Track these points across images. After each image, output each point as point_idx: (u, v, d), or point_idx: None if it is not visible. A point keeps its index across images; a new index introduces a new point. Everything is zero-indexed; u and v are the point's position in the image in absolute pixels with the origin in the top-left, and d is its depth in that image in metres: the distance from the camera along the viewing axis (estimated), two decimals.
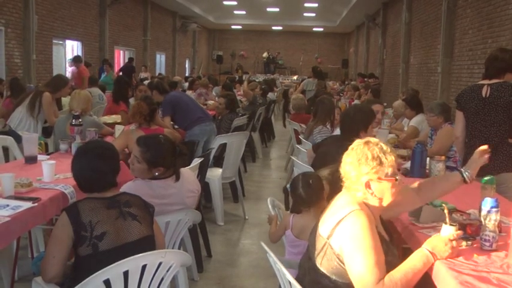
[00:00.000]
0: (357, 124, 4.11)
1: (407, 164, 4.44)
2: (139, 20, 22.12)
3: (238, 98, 11.67)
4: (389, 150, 2.36)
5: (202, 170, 4.70)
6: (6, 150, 5.50)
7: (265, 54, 32.89)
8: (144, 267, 2.44)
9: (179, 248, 3.56)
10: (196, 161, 4.48)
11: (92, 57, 17.13)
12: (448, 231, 2.34)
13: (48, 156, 4.41)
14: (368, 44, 24.47)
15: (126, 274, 2.40)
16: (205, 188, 5.53)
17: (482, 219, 2.61)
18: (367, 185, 2.34)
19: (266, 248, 2.63)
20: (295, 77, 28.42)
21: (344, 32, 32.25)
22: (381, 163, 2.31)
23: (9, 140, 5.65)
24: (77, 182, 2.77)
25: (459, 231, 2.36)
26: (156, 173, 3.32)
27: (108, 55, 18.28)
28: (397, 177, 2.34)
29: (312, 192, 3.21)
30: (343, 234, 2.26)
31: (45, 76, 13.59)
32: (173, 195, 3.38)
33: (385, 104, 10.63)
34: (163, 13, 24.73)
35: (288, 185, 3.40)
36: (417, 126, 6.53)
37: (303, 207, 3.27)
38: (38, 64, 13.91)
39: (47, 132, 6.69)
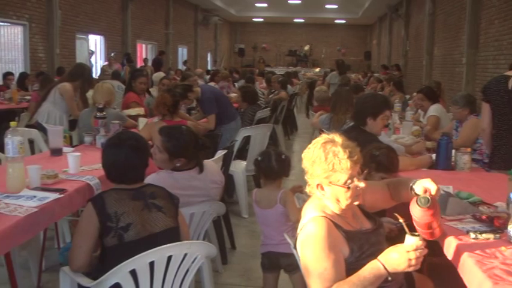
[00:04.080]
0: (365, 109, 4.07)
1: (433, 156, 4.37)
2: (162, 13, 22.20)
3: (261, 90, 11.64)
4: (347, 155, 2.20)
5: (226, 163, 4.70)
6: (31, 142, 5.56)
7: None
8: (169, 258, 2.45)
9: (203, 240, 3.57)
10: (220, 153, 4.48)
11: (114, 51, 17.21)
12: (408, 241, 2.10)
13: (73, 149, 4.45)
14: (391, 35, 24.25)
15: (151, 265, 2.41)
16: (229, 180, 5.53)
17: (510, 212, 2.57)
18: (320, 187, 2.28)
19: (289, 240, 2.62)
20: (317, 70, 28.27)
21: (366, 23, 31.98)
22: (333, 169, 2.21)
23: (34, 133, 5.71)
24: (106, 172, 2.78)
25: (420, 242, 2.09)
26: (178, 164, 3.33)
27: (130, 49, 18.38)
28: (349, 186, 2.21)
29: (283, 166, 3.48)
30: (299, 241, 2.26)
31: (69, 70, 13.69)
32: (197, 186, 3.39)
33: (407, 96, 10.56)
34: (185, 6, 24.78)
35: (259, 158, 3.56)
36: (437, 114, 6.44)
37: (270, 179, 3.50)
38: (61, 58, 14.04)
39: (71, 125, 6.74)
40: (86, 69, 6.95)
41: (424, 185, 2.23)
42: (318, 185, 2.28)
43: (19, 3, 12.41)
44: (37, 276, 4.04)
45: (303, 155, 2.33)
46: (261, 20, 33.03)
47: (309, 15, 29.98)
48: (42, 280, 4.08)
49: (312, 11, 28.53)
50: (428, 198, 2.14)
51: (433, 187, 2.21)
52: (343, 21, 32.30)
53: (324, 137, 2.31)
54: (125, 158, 2.71)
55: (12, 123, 3.22)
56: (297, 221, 3.21)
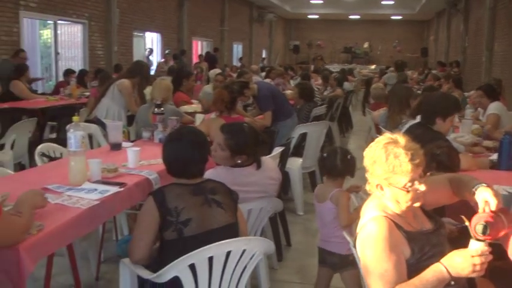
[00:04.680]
0: (436, 109, 3.98)
1: (494, 156, 4.24)
2: (217, 10, 22.35)
3: (316, 87, 11.56)
4: (409, 157, 2.14)
5: (282, 160, 4.68)
6: (90, 137, 5.69)
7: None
8: (228, 253, 2.45)
9: (260, 236, 3.56)
10: (277, 150, 4.46)
11: (170, 48, 17.44)
12: (473, 246, 2.04)
13: (132, 143, 4.52)
14: (449, 31, 23.68)
15: (210, 260, 2.42)
16: (285, 178, 5.50)
17: None
18: (380, 187, 2.23)
19: (348, 238, 2.58)
20: (373, 67, 27.92)
21: (423, 19, 31.32)
22: (393, 170, 2.16)
23: (93, 128, 5.84)
24: (167, 166, 2.81)
25: (485, 248, 2.03)
26: (239, 161, 3.34)
27: (186, 46, 18.57)
28: (409, 189, 2.16)
29: (347, 166, 3.46)
30: (359, 241, 2.23)
31: (126, 67, 13.96)
32: (254, 182, 3.38)
33: (466, 94, 10.28)
34: (240, 3, 24.87)
35: (325, 154, 3.57)
36: (497, 112, 6.24)
37: (333, 177, 3.50)
38: (119, 55, 14.33)
39: (128, 120, 6.86)
40: (143, 66, 7.06)
41: (485, 197, 2.13)
42: (377, 185, 2.24)
43: (79, 2, 12.74)
44: (96, 267, 4.14)
45: (364, 153, 2.29)
46: (316, 16, 32.83)
47: (364, 11, 29.62)
48: (101, 271, 4.18)
49: (368, 7, 28.18)
50: (485, 225, 2.03)
51: (493, 202, 2.10)
52: (400, 17, 31.71)
53: (387, 136, 2.26)
54: (185, 152, 2.72)
55: (75, 118, 3.29)
56: (346, 226, 3.21)
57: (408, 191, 2.17)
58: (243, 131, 3.38)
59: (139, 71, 6.74)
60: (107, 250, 4.41)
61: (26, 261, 2.20)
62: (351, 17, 32.36)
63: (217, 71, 10.36)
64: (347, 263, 3.34)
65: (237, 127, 3.45)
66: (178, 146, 2.77)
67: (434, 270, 2.08)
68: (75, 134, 3.07)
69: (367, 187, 2.32)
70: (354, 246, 2.33)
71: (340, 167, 3.44)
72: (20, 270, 2.19)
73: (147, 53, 16.86)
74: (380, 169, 2.19)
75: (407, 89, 6.71)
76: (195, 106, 7.04)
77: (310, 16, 32.88)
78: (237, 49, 25.87)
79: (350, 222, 3.28)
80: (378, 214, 2.21)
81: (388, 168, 2.17)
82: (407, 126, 5.38)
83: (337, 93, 10.54)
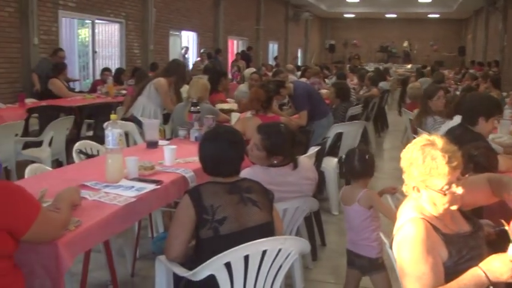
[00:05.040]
0: (479, 109, 3.90)
1: None
2: (253, 9, 22.36)
3: (352, 87, 11.48)
4: (446, 160, 2.09)
5: (318, 159, 4.65)
6: (126, 135, 5.75)
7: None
8: (264, 252, 2.44)
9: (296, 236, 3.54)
10: (313, 150, 4.44)
11: (206, 47, 17.53)
12: None
13: (168, 141, 4.55)
14: (487, 29, 23.25)
15: (246, 259, 2.41)
16: (320, 177, 5.47)
17: None
18: (416, 189, 2.19)
19: (384, 239, 2.55)
20: (409, 66, 27.60)
21: (461, 17, 30.81)
22: (430, 173, 2.11)
23: (130, 126, 5.90)
24: (203, 164, 2.81)
25: None
26: (275, 161, 3.34)
27: (221, 45, 18.64)
28: (446, 192, 2.11)
29: (366, 167, 3.38)
30: (396, 242, 2.19)
31: (162, 66, 14.09)
32: (291, 182, 3.37)
33: (504, 93, 10.07)
34: (276, 2, 24.84)
35: (343, 156, 3.41)
36: None
37: (354, 179, 3.44)
38: (155, 54, 14.46)
39: (164, 118, 6.91)
40: (180, 65, 7.10)
41: None
42: (414, 187, 2.20)
43: (117, 2, 12.90)
44: (131, 263, 4.18)
45: (401, 154, 2.26)
46: (352, 15, 32.61)
47: (401, 9, 29.30)
48: (136, 267, 4.22)
49: (405, 5, 27.87)
50: None
51: None
52: (437, 16, 31.25)
53: (424, 137, 2.22)
54: (221, 151, 2.72)
55: (113, 116, 3.32)
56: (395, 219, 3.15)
57: (445, 194, 2.13)
58: (280, 132, 3.38)
59: (175, 70, 6.79)
60: (142, 247, 4.43)
61: (64, 256, 2.23)
62: (387, 15, 32.04)
63: (252, 69, 10.34)
64: (376, 266, 3.31)
65: (273, 128, 3.45)
66: (214, 145, 2.77)
67: (472, 275, 2.04)
68: (112, 132, 3.10)
69: (404, 188, 2.29)
70: (390, 247, 2.30)
71: (359, 167, 3.38)
72: (58, 266, 2.22)
73: (183, 51, 16.98)
74: (417, 171, 2.16)
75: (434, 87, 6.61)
76: (230, 105, 7.05)
77: (346, 15, 32.68)
78: (273, 48, 25.85)
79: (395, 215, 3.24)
80: (415, 216, 2.18)
81: (425, 171, 2.13)
82: (444, 127, 5.33)
83: (373, 92, 10.45)
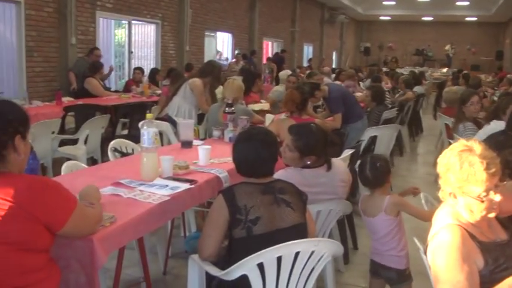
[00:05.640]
0: None
1: None
2: (288, 11, 22.35)
3: (387, 90, 11.38)
4: (484, 166, 2.05)
5: (352, 162, 4.62)
6: (161, 134, 5.79)
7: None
8: (296, 254, 2.43)
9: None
10: (348, 152, 4.41)
11: (241, 49, 17.59)
12: None
13: (202, 142, 4.57)
14: None
15: (279, 260, 2.40)
16: (353, 180, 5.43)
17: None
18: (453, 195, 2.15)
19: (418, 243, 2.51)
20: (445, 70, 27.21)
21: (499, 21, 30.16)
22: (467, 179, 2.07)
23: (165, 125, 5.95)
24: (236, 165, 2.82)
25: None
26: (308, 162, 3.32)
27: (256, 46, 18.67)
28: (484, 199, 2.08)
29: (378, 175, 3.29)
30: (431, 249, 2.15)
31: (197, 67, 14.18)
32: (324, 184, 3.36)
33: None
34: (311, 4, 24.78)
35: (356, 166, 3.44)
36: None
37: (369, 188, 3.36)
38: (190, 55, 14.57)
39: (198, 119, 6.95)
40: (215, 66, 7.14)
41: None
42: (450, 193, 2.17)
43: (153, 3, 13.03)
44: (164, 261, 4.21)
45: (438, 160, 2.23)
46: (388, 18, 32.33)
47: (438, 12, 28.91)
48: (168, 266, 4.25)
49: (442, 8, 27.51)
50: None
51: None
52: (474, 19, 30.74)
53: (461, 143, 2.19)
54: (255, 152, 2.72)
55: (148, 116, 3.35)
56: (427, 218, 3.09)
57: (482, 201, 2.10)
58: (311, 132, 3.37)
59: (210, 71, 6.83)
60: (174, 246, 4.46)
61: (99, 252, 2.25)
62: (424, 18, 31.65)
63: (288, 72, 10.34)
64: (404, 278, 3.25)
65: (305, 128, 3.44)
66: (248, 146, 2.77)
67: (509, 284, 2.01)
68: (148, 131, 3.12)
69: (440, 194, 2.26)
70: (425, 253, 2.27)
71: (371, 176, 3.30)
72: (93, 261, 2.25)
73: (217, 56, 17.05)
74: (453, 177, 2.12)
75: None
76: (262, 105, 7.06)
77: (382, 17, 32.42)
78: (308, 50, 25.79)
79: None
80: (451, 222, 2.14)
81: (462, 177, 2.10)
82: (482, 133, 5.25)
83: (407, 96, 10.33)
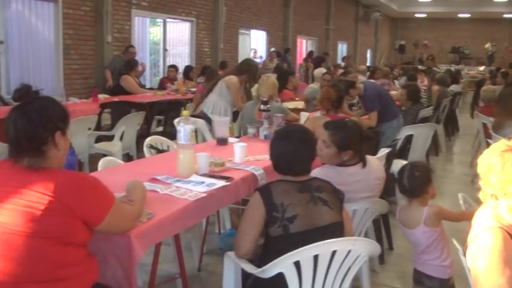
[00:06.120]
0: None
1: None
2: (323, 9, 22.25)
3: (423, 88, 11.23)
4: None
5: (388, 161, 4.57)
6: (196, 132, 5.81)
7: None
8: (333, 253, 2.40)
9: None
10: (384, 151, 4.35)
11: (275, 47, 17.57)
12: None
13: (238, 139, 4.58)
14: None
15: (315, 258, 2.38)
16: (390, 180, 5.36)
17: None
18: (494, 197, 2.08)
19: (457, 245, 2.47)
20: (481, 68, 26.72)
21: None
22: (509, 180, 2.01)
23: (200, 122, 5.97)
24: (274, 163, 2.80)
25: None
26: (345, 158, 3.29)
27: (290, 44, 18.63)
28: None
29: (415, 184, 3.15)
30: (471, 251, 2.09)
31: (231, 64, 14.21)
32: (360, 181, 3.33)
33: None
34: (346, 2, 24.63)
35: (396, 172, 3.31)
36: None
37: (409, 196, 3.22)
38: (224, 52, 14.60)
39: (233, 116, 6.96)
40: (252, 65, 7.14)
41: None
42: (492, 194, 2.11)
43: (188, 1, 13.12)
44: (198, 258, 4.23)
45: (478, 160, 2.18)
46: (424, 15, 31.91)
47: (475, 9, 28.39)
48: (203, 262, 4.26)
49: (479, 5, 27.01)
50: None
51: None
52: None
53: (503, 143, 2.13)
54: (292, 150, 2.71)
55: (185, 112, 3.37)
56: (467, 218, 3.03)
57: None
58: (347, 126, 3.35)
59: (247, 70, 6.83)
60: (209, 243, 4.47)
61: (136, 247, 2.26)
62: (460, 15, 31.14)
63: (323, 70, 10.28)
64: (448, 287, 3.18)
65: (340, 123, 3.43)
66: (285, 144, 2.76)
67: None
68: (184, 128, 3.13)
69: (480, 195, 2.20)
70: (464, 254, 2.22)
71: (408, 185, 3.17)
72: (130, 256, 2.26)
73: (252, 54, 17.06)
74: (495, 178, 2.07)
75: None
76: (296, 103, 7.04)
77: (417, 15, 32.03)
78: (342, 48, 25.64)
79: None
80: (493, 224, 2.09)
81: (504, 178, 2.04)
82: None
83: (433, 91, 10.13)
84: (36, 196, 1.99)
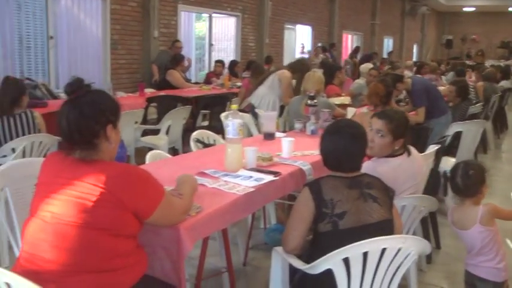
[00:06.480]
0: None
1: None
2: (369, 4, 22.03)
3: (471, 84, 10.99)
4: None
5: (437, 158, 4.48)
6: None
7: None
8: (383, 251, 2.36)
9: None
10: (433, 148, 4.27)
11: (321, 41, 17.47)
12: None
13: (285, 134, 4.56)
14: None
15: (365, 255, 2.35)
16: (437, 177, 5.26)
17: None
18: None
19: (510, 244, 2.40)
20: None
21: None
22: None
23: (247, 117, 5.98)
24: (324, 158, 2.77)
25: None
26: (396, 147, 3.28)
27: (336, 39, 18.51)
28: None
29: (469, 184, 3.05)
30: None
31: (276, 59, 14.20)
32: (406, 170, 3.30)
33: None
34: None
35: (448, 171, 3.23)
36: None
37: (462, 196, 3.11)
38: (270, 48, 14.60)
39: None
40: (305, 64, 7.16)
41: None
42: None
43: None
44: (244, 252, 4.23)
45: None
46: (473, 9, 31.16)
47: None
48: (248, 257, 4.27)
49: None
50: None
51: None
52: None
53: None
54: (343, 145, 2.67)
55: (233, 107, 3.37)
56: None
57: None
58: (398, 114, 3.39)
59: (300, 69, 6.87)
60: (254, 237, 4.47)
61: (185, 240, 2.28)
62: (511, 9, 30.29)
63: (370, 65, 10.17)
64: None
65: (391, 111, 3.46)
66: (336, 139, 2.72)
67: None
68: (233, 122, 3.13)
69: None
70: None
71: (461, 184, 3.07)
72: (179, 249, 2.28)
73: (300, 49, 17.01)
74: None
75: None
76: (342, 98, 6.98)
77: (465, 8, 31.27)
78: (388, 43, 25.31)
79: None
80: None
81: None
82: None
83: (477, 87, 9.90)
84: (88, 187, 2.02)
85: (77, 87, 2.18)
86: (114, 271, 2.08)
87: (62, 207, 2.04)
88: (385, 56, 22.55)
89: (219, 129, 6.40)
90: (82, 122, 2.11)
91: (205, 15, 13.10)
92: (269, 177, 3.07)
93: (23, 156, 4.44)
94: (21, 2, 8.26)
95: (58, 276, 2.01)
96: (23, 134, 4.68)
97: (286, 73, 6.69)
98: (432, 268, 4.35)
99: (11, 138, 4.62)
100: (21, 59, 8.40)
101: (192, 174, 2.76)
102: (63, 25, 9.20)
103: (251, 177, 3.06)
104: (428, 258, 4.38)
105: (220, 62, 11.38)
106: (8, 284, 1.90)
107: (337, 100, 6.72)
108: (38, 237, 2.07)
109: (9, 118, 4.68)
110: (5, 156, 4.50)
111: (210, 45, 13.29)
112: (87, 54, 9.70)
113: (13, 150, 4.51)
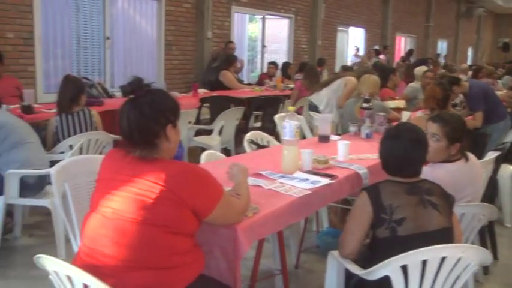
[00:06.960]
0: None
1: None
2: (423, 6, 21.69)
3: None
4: None
5: (496, 165, 4.35)
6: None
7: None
8: (443, 259, 2.31)
9: None
10: (493, 154, 4.14)
11: (373, 44, 17.30)
12: None
13: (339, 137, 4.53)
14: None
15: (424, 263, 2.30)
16: (494, 185, 5.12)
17: None
18: None
19: None
20: None
21: None
22: None
23: (301, 119, 5.96)
24: (383, 163, 2.73)
25: None
26: (452, 152, 3.19)
27: (389, 42, 18.29)
28: None
29: None
30: None
31: (329, 61, 14.13)
32: (464, 175, 3.22)
33: None
34: None
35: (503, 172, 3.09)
36: None
37: None
38: (322, 50, 14.53)
39: None
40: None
41: None
42: None
43: None
44: (296, 255, 4.21)
45: None
46: None
47: None
48: (300, 260, 4.23)
49: None
50: None
51: None
52: None
53: None
54: (403, 150, 2.62)
55: (290, 108, 3.36)
56: None
57: None
58: (454, 117, 3.31)
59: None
60: (306, 240, 4.42)
61: (242, 241, 2.28)
62: None
63: (424, 68, 9.99)
64: None
65: (446, 114, 3.40)
66: (395, 144, 2.67)
67: None
68: (290, 124, 3.12)
69: None
70: None
71: None
72: (236, 249, 2.29)
73: (354, 51, 16.86)
74: None
75: None
76: (397, 102, 6.87)
77: None
78: (442, 46, 24.85)
79: None
80: None
81: None
82: None
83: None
84: (148, 185, 2.05)
85: (137, 87, 2.21)
86: (173, 268, 2.10)
87: (122, 203, 2.07)
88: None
89: (271, 131, 6.42)
90: (142, 123, 2.14)
91: (257, 17, 13.13)
92: (325, 180, 3.05)
93: (80, 153, 4.55)
94: (79, 4, 8.45)
95: (117, 272, 2.04)
96: (81, 131, 4.80)
97: (353, 79, 6.72)
98: (489, 279, 4.23)
99: (69, 135, 4.75)
100: (78, 58, 8.58)
101: (243, 164, 2.74)
102: (119, 26, 9.38)
103: (307, 179, 3.04)
104: (486, 269, 4.25)
105: (273, 64, 11.39)
106: (69, 277, 1.94)
107: (392, 103, 6.61)
108: (98, 233, 2.11)
109: (67, 116, 4.80)
110: (62, 152, 4.62)
111: (263, 46, 13.31)
112: (142, 54, 9.86)
113: (70, 146, 4.62)
